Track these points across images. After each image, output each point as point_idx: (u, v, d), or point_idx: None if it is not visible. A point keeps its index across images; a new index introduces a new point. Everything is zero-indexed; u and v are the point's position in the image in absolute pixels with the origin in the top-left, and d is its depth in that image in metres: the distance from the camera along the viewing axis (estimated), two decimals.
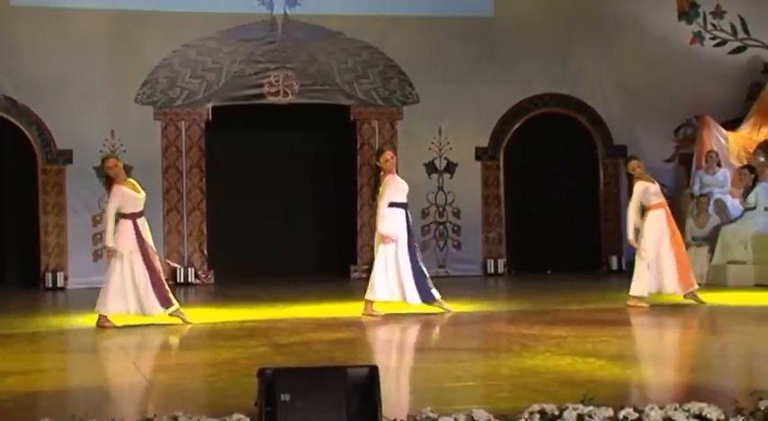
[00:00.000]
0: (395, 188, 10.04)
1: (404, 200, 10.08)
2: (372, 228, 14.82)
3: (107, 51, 14.11)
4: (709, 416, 4.78)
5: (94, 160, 14.16)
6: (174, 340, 8.99)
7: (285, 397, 4.65)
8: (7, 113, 13.98)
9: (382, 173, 10.10)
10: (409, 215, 10.16)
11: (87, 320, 9.57)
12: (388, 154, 10.24)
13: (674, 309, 10.97)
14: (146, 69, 14.32)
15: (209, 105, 14.40)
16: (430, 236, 14.98)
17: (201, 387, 6.48)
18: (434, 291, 9.98)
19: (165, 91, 14.39)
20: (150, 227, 9.64)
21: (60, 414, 4.77)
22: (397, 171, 14.73)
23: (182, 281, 13.95)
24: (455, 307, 10.77)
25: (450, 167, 15.06)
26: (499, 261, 14.94)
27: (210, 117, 14.36)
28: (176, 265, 14.06)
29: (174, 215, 14.40)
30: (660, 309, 10.90)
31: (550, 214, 15.16)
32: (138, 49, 14.19)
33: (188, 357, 7.78)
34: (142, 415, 4.68)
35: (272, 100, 14.53)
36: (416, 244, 10.26)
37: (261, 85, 14.48)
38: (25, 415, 5.20)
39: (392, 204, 9.95)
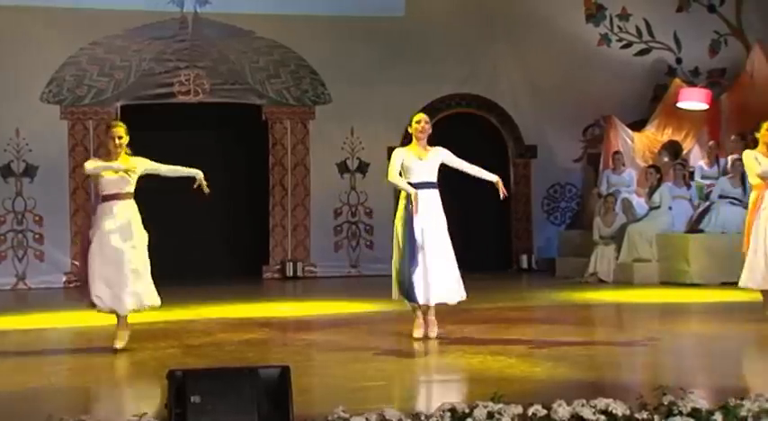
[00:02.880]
0: None
1: None
2: (285, 228, 14.88)
3: (9, 48, 13.82)
4: (614, 411, 4.86)
5: None
6: (80, 341, 8.85)
7: (195, 398, 4.62)
8: None
9: None
10: None
11: None
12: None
13: (583, 307, 11.15)
14: (51, 67, 14.07)
15: (118, 104, 14.22)
16: (342, 235, 15.00)
17: (110, 389, 6.41)
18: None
19: (72, 89, 14.17)
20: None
21: None
22: (309, 171, 14.89)
23: None
24: (369, 306, 10.79)
25: (363, 167, 15.09)
26: None
27: (119, 116, 14.16)
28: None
29: (81, 215, 14.18)
30: (570, 307, 11.07)
31: (462, 213, 15.21)
32: (44, 47, 13.94)
33: (97, 359, 7.67)
34: (48, 419, 4.61)
35: (182, 99, 14.40)
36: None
37: (171, 84, 14.35)
38: None
39: None
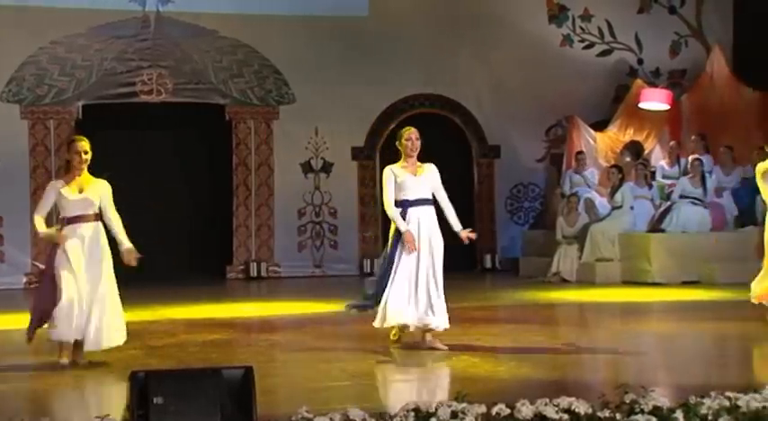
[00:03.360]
0: None
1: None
2: (249, 228, 14.84)
3: None
4: (577, 410, 4.90)
5: None
6: (42, 344, 8.78)
7: (158, 400, 4.59)
8: None
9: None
10: None
11: None
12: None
13: (546, 306, 11.19)
14: (11, 66, 13.94)
15: (80, 103, 14.11)
16: (306, 235, 14.97)
17: (72, 391, 6.37)
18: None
19: (33, 89, 14.05)
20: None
21: None
22: (273, 171, 14.85)
23: None
24: (333, 306, 10.77)
25: (327, 167, 15.07)
26: (375, 260, 15.00)
27: (81, 115, 14.07)
28: (44, 267, 13.73)
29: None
30: (534, 306, 11.11)
31: None
32: (2, 46, 13.80)
33: (55, 361, 7.61)
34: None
35: (145, 98, 14.31)
36: None
37: (133, 84, 14.25)
38: None
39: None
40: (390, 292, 7.70)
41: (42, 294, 7.35)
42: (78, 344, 7.16)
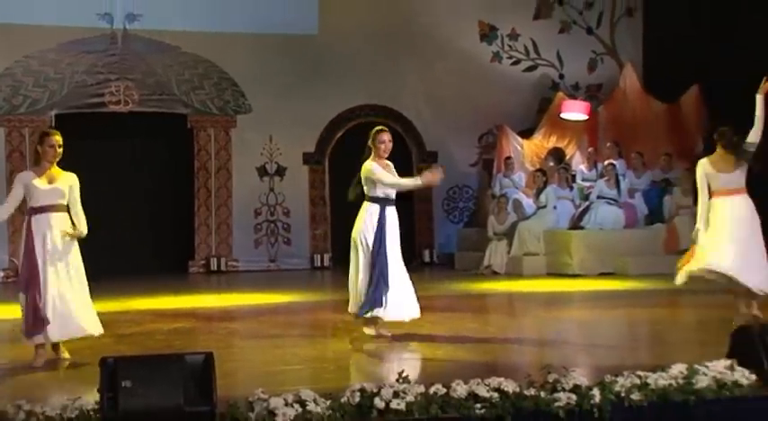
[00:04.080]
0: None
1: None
2: (209, 227, 14.74)
3: None
4: (506, 388, 4.92)
5: None
6: (16, 332, 8.65)
7: (126, 383, 4.56)
8: None
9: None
10: None
11: None
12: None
13: (479, 296, 11.25)
14: None
15: (53, 113, 13.94)
16: (262, 233, 14.92)
17: (46, 376, 6.29)
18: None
19: (8, 99, 13.86)
20: None
21: None
22: (231, 174, 14.76)
23: None
24: (286, 297, 10.74)
25: (281, 171, 15.02)
26: (325, 255, 15.01)
27: (54, 124, 13.87)
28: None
29: (18, 215, 13.85)
30: (468, 296, 11.16)
31: None
32: None
33: (28, 349, 7.50)
34: None
35: (113, 108, 14.17)
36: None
37: (102, 95, 14.11)
38: None
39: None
40: (392, 288, 7.36)
41: (30, 298, 6.72)
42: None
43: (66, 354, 6.80)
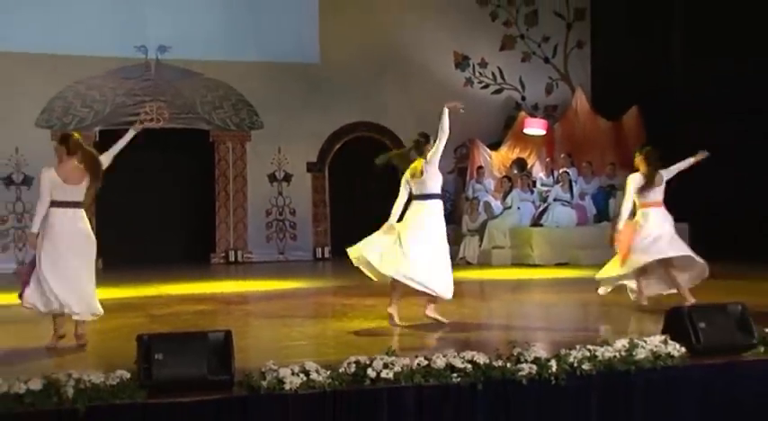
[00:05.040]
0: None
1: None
2: (228, 225, 14.71)
3: (12, 84, 13.42)
4: (478, 360, 4.93)
5: (1, 172, 13.54)
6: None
7: (159, 356, 4.56)
8: None
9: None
10: None
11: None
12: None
13: (455, 283, 11.22)
14: (44, 100, 13.71)
15: (97, 129, 13.89)
16: (272, 230, 14.89)
17: (92, 350, 6.26)
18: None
19: (60, 117, 13.82)
20: None
21: None
22: (246, 181, 14.73)
23: None
24: (293, 284, 10.72)
25: (288, 177, 15.00)
26: (326, 248, 15.00)
27: (98, 139, 13.86)
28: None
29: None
30: None
31: (364, 213, 15.20)
32: (37, 84, 13.56)
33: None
34: (44, 374, 4.48)
35: (147, 125, 14.00)
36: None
37: (138, 114, 14.07)
38: None
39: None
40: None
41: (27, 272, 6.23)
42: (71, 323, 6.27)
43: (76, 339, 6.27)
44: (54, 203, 6.29)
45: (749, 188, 12.94)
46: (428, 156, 7.20)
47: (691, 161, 7.89)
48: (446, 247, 6.98)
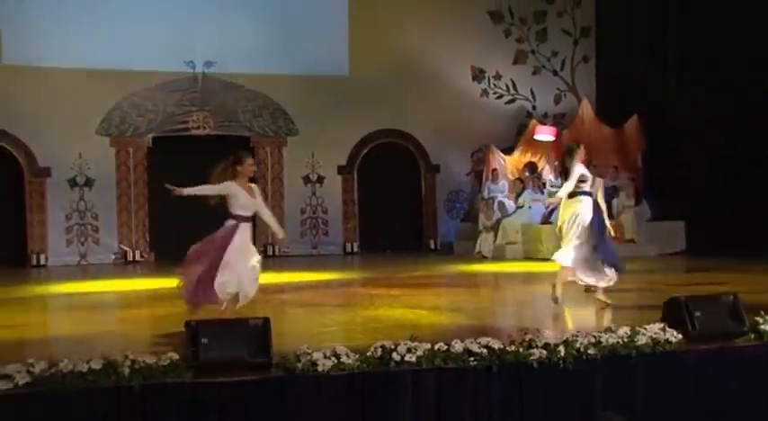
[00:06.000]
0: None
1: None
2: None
3: (76, 97, 13.54)
4: (493, 346, 4.91)
5: (67, 174, 13.68)
6: (124, 301, 8.71)
7: (205, 340, 4.58)
8: (2, 141, 13.36)
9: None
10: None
11: (64, 287, 9.17)
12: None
13: (472, 275, 11.20)
14: (103, 110, 13.81)
15: (150, 136, 13.99)
16: (306, 227, 14.92)
17: (145, 334, 6.32)
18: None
19: (118, 126, 13.93)
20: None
21: (40, 356, 4.57)
22: (283, 182, 14.77)
23: (131, 259, 13.65)
24: (325, 275, 10.73)
25: (320, 179, 15.01)
26: (354, 243, 14.99)
27: (151, 144, 13.99)
28: (127, 248, 13.72)
29: (125, 213, 13.98)
30: (464, 275, 11.12)
31: (389, 211, 15.26)
32: (98, 96, 13.66)
33: (133, 314, 7.55)
34: (102, 355, 4.53)
35: (195, 132, 14.22)
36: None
37: (187, 122, 14.16)
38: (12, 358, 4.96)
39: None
40: None
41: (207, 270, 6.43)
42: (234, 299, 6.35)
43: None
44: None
45: (738, 190, 12.96)
46: None
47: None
48: None
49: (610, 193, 13.87)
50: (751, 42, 12.89)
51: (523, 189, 13.84)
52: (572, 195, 7.16)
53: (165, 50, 13.94)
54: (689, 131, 13.33)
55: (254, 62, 14.42)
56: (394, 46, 15.01)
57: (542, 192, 14.03)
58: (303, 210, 14.91)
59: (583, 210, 7.14)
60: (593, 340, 5.06)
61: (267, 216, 6.73)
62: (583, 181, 7.13)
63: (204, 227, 15.23)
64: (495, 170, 14.70)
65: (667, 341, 5.19)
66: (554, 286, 7.22)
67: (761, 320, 5.55)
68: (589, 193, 7.15)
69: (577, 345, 4.98)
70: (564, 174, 7.25)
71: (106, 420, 4.30)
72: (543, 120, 15.77)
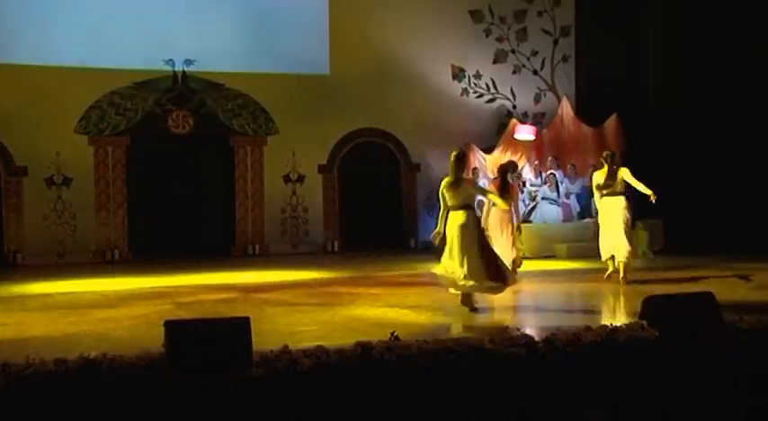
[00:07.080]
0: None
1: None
2: (247, 221, 14.71)
3: (53, 95, 13.42)
4: (473, 343, 4.91)
5: (44, 173, 13.55)
6: (102, 300, 8.63)
7: (184, 340, 4.55)
8: None
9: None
10: None
11: (41, 287, 9.08)
12: None
13: None
14: (81, 109, 13.70)
15: (129, 135, 13.91)
16: (286, 225, 14.88)
17: (124, 334, 6.28)
18: None
19: (96, 124, 13.81)
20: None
21: (17, 356, 4.53)
22: (263, 181, 14.73)
23: (109, 258, 13.54)
24: (305, 274, 10.70)
25: (300, 178, 14.98)
26: (335, 242, 14.97)
27: (130, 143, 13.89)
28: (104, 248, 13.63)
29: (103, 212, 13.86)
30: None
31: (369, 210, 15.25)
32: (76, 94, 13.55)
33: (113, 313, 7.49)
34: (80, 355, 4.49)
35: (174, 131, 14.13)
36: None
37: (167, 121, 14.08)
38: None
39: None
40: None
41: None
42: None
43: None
44: None
45: (715, 189, 13.08)
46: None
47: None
48: None
49: (589, 193, 14.00)
50: (730, 43, 13.03)
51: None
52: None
53: (145, 48, 13.84)
54: (666, 130, 13.46)
55: (234, 61, 14.36)
56: (374, 45, 15.01)
57: (522, 192, 14.08)
58: (283, 209, 14.87)
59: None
60: (572, 337, 5.08)
61: None
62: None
63: (182, 227, 15.16)
64: (475, 169, 14.73)
65: (645, 339, 5.23)
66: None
67: (737, 318, 5.61)
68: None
69: (557, 342, 5.00)
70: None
71: None
72: (523, 119, 15.83)
